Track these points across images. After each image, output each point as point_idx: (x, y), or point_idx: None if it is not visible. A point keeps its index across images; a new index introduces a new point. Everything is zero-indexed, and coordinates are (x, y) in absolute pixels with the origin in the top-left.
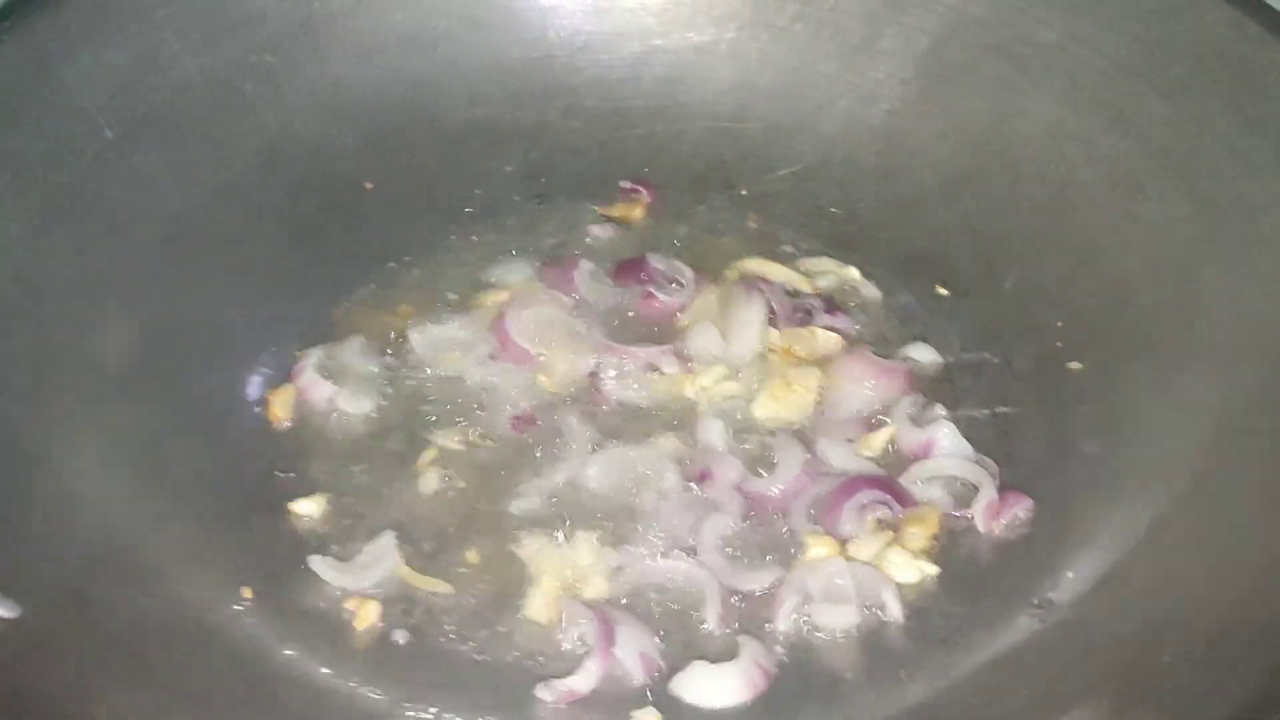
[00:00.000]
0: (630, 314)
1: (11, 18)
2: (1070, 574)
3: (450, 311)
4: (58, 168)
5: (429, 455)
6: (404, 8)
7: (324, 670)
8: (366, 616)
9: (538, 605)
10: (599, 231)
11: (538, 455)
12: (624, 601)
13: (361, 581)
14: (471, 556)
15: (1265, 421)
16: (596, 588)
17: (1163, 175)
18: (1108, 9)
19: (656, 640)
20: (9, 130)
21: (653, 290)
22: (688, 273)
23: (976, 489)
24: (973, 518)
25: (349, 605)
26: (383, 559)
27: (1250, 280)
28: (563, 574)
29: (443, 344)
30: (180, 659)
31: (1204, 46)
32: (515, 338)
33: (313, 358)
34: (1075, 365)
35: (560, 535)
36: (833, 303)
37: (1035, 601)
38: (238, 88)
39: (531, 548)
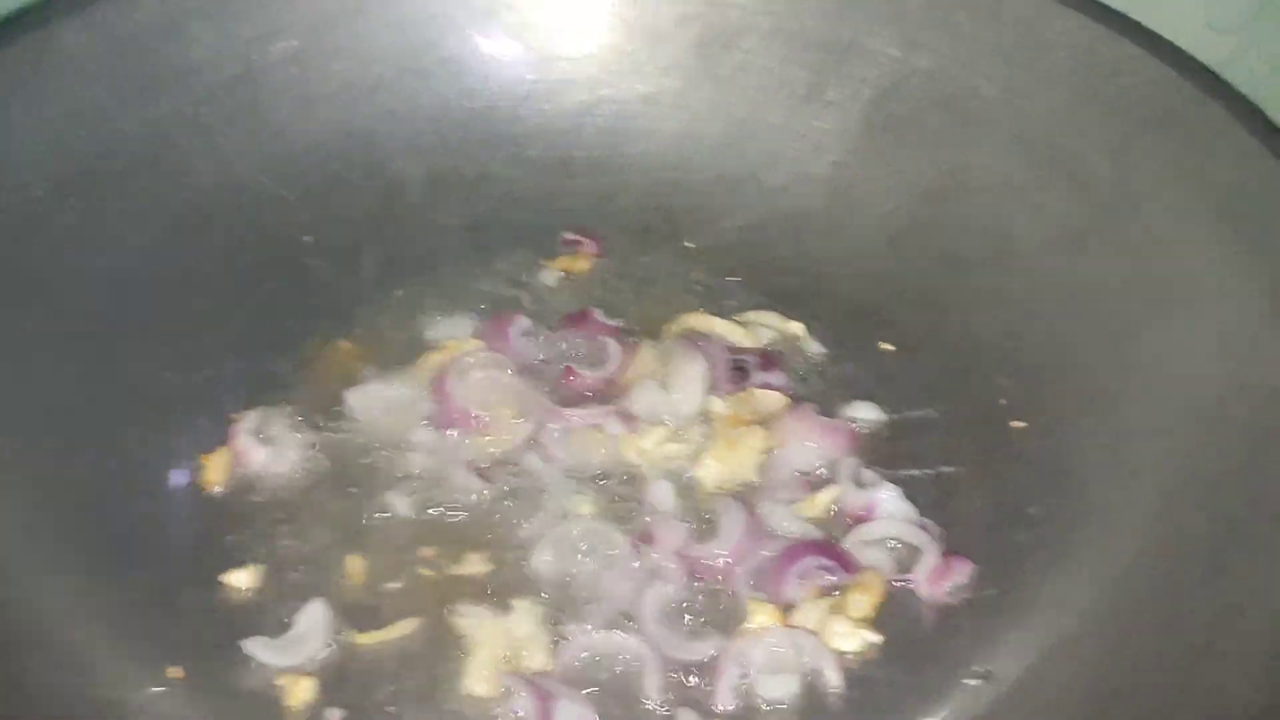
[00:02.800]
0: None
1: None
2: (1014, 642)
3: (390, 371)
4: None
5: (366, 522)
6: (343, 58)
7: None
8: (299, 694)
9: (476, 679)
10: (542, 284)
11: (483, 520)
12: (565, 674)
13: (295, 658)
14: (409, 627)
15: (1205, 487)
16: (536, 660)
17: (1104, 233)
18: (1050, 65)
19: (596, 715)
20: None
21: (572, 366)
22: (612, 347)
23: (919, 552)
24: (915, 583)
25: (280, 683)
26: (315, 631)
27: (1189, 342)
28: (502, 646)
29: (382, 405)
30: None
31: (1143, 105)
32: (456, 400)
33: (249, 421)
34: (1019, 424)
35: (500, 606)
36: (770, 359)
37: (978, 670)
38: (173, 142)
39: (470, 619)
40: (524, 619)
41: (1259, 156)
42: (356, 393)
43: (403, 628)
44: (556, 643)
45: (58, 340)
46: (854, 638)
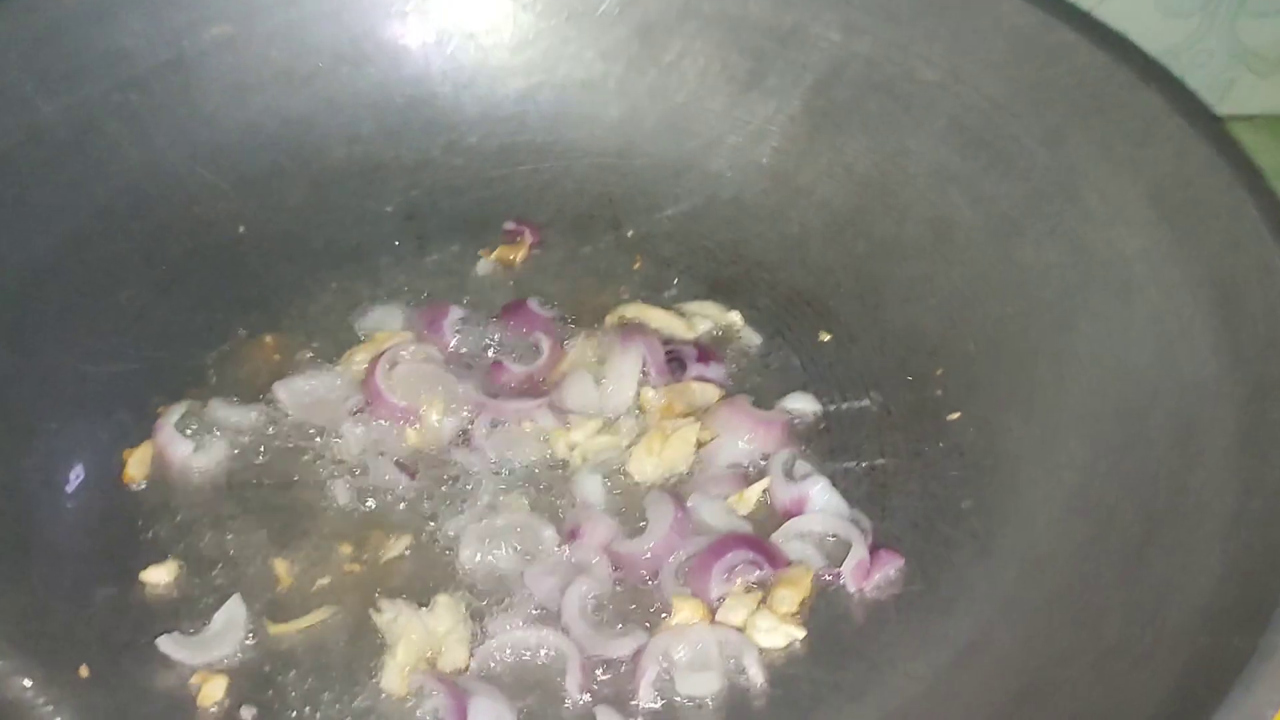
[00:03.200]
0: (507, 361)
1: None
2: (938, 638)
3: (320, 363)
4: None
5: (290, 518)
6: (279, 44)
7: None
8: (211, 694)
9: (392, 677)
10: (480, 274)
11: (408, 514)
12: (484, 670)
13: (210, 655)
14: (323, 615)
15: (1131, 480)
16: (455, 657)
17: (1040, 219)
18: (987, 50)
19: (514, 712)
20: None
21: (503, 361)
22: (544, 343)
23: (849, 547)
24: (843, 578)
25: (194, 681)
26: (232, 628)
27: (1123, 331)
28: (422, 642)
29: (310, 397)
30: None
31: (1079, 92)
32: (385, 393)
33: (173, 414)
34: (953, 416)
35: (422, 602)
36: (707, 351)
37: (902, 669)
38: (99, 128)
39: (390, 614)
40: (445, 614)
41: (1195, 144)
42: (285, 385)
43: (318, 615)
44: (477, 639)
45: None
46: (779, 634)
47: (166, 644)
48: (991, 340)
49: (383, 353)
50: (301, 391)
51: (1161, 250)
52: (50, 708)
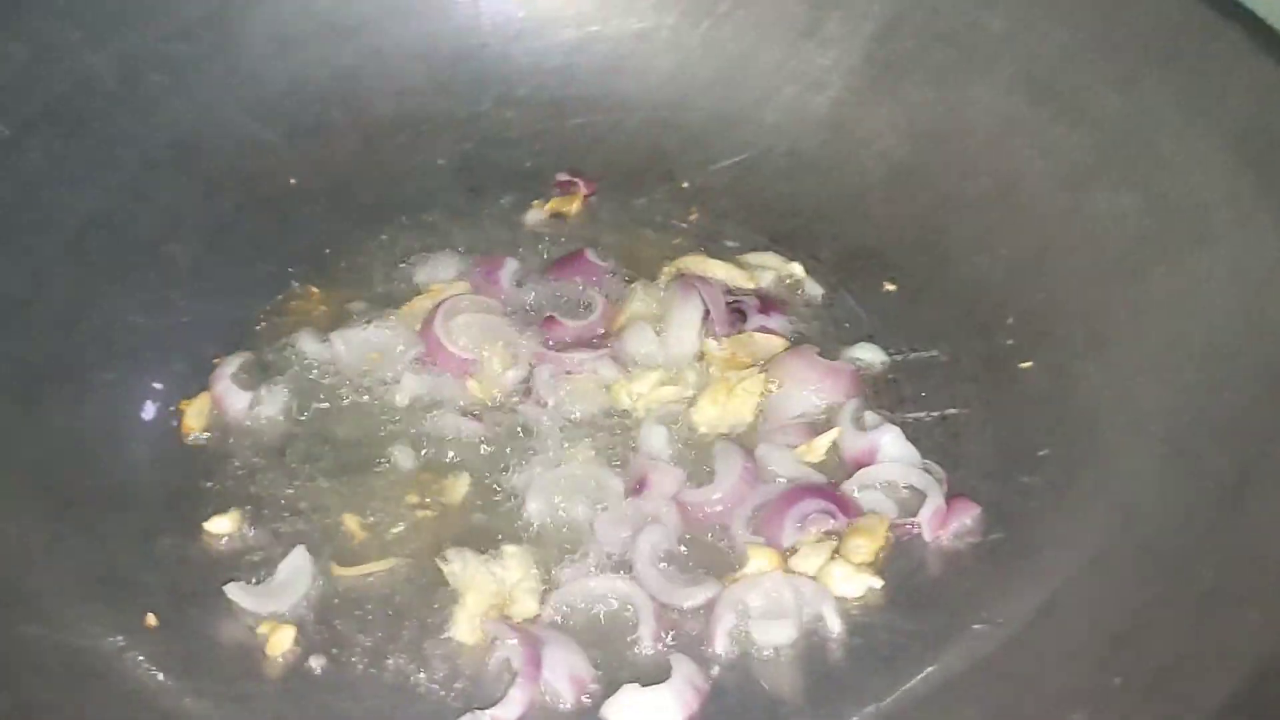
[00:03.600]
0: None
1: None
2: (1021, 587)
3: (377, 314)
4: None
5: (352, 468)
6: None
7: (232, 705)
8: (279, 643)
9: (463, 626)
10: (534, 226)
11: (473, 466)
12: (555, 620)
13: (277, 604)
14: (390, 563)
15: (1218, 426)
16: (525, 607)
17: (1113, 168)
18: None
19: (588, 661)
20: None
21: (555, 315)
22: (597, 298)
23: (923, 496)
24: (918, 527)
25: (262, 630)
26: (298, 578)
27: (1199, 279)
28: (491, 592)
29: (368, 349)
30: (71, 694)
31: (1155, 35)
32: (446, 344)
33: (230, 365)
34: (1025, 364)
35: (490, 552)
36: (769, 301)
37: (984, 617)
38: (146, 79)
39: (457, 564)
40: (514, 564)
41: (1277, 83)
42: (342, 336)
43: (384, 563)
44: (547, 589)
45: (27, 283)
46: (855, 583)
47: (234, 591)
48: (1063, 289)
49: (442, 303)
50: (359, 342)
51: (1242, 194)
52: (120, 656)
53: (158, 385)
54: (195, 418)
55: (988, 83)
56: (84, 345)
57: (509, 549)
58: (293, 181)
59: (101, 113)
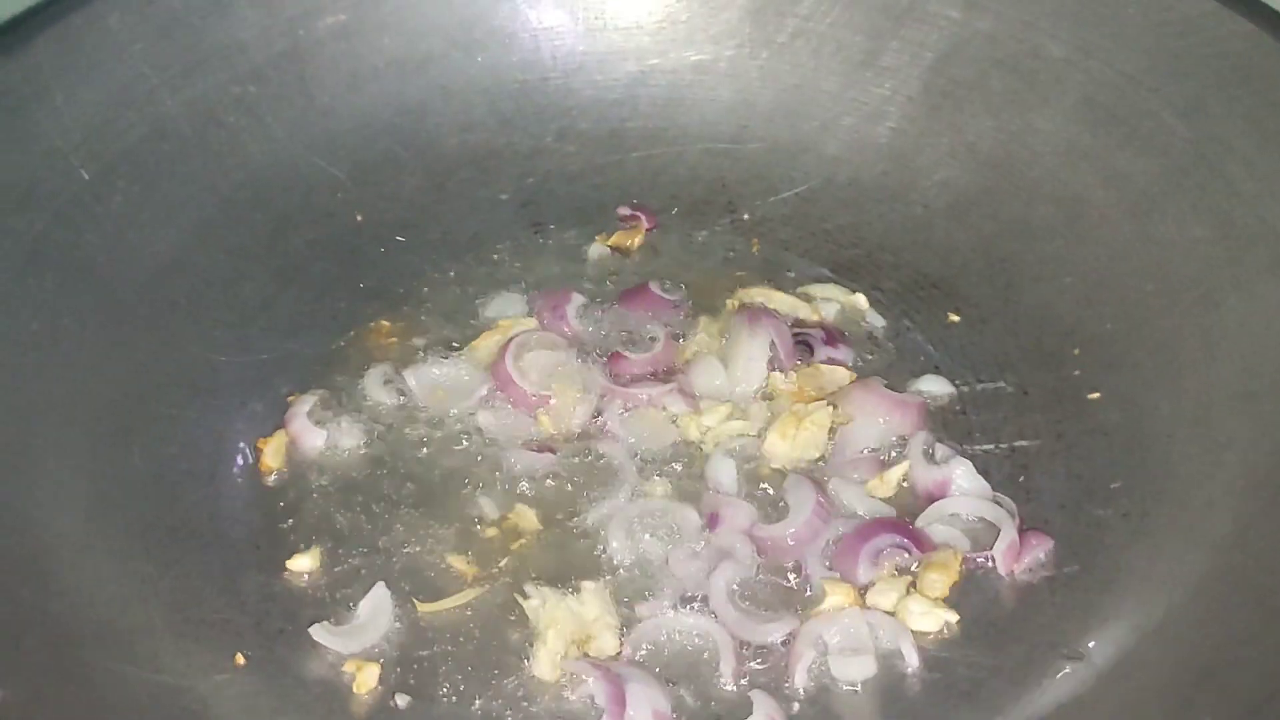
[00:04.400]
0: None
1: None
2: (1102, 621)
3: (447, 350)
4: (32, 212)
5: (428, 504)
6: (392, 32)
7: None
8: (366, 681)
9: (545, 664)
10: (597, 260)
11: (547, 500)
12: (635, 657)
13: (360, 643)
14: (471, 595)
15: None
16: (605, 644)
17: (1180, 195)
18: (1119, 22)
19: (669, 698)
20: None
21: (621, 350)
22: (659, 332)
23: (996, 530)
24: (993, 561)
25: (347, 669)
26: (379, 616)
27: (1272, 306)
28: (570, 629)
29: (440, 385)
30: None
31: (1220, 62)
32: (517, 381)
33: (305, 403)
34: (1094, 395)
35: (568, 588)
36: (834, 333)
37: (1065, 651)
38: (220, 121)
39: (537, 600)
40: (593, 601)
41: None
42: (414, 372)
43: (465, 596)
44: (626, 625)
45: (110, 326)
46: (931, 617)
47: (319, 633)
48: (1131, 318)
49: (511, 339)
50: (431, 378)
51: None
52: (214, 695)
53: (237, 424)
54: (273, 456)
55: (1049, 110)
56: (165, 386)
57: (587, 585)
58: (359, 218)
59: (178, 156)
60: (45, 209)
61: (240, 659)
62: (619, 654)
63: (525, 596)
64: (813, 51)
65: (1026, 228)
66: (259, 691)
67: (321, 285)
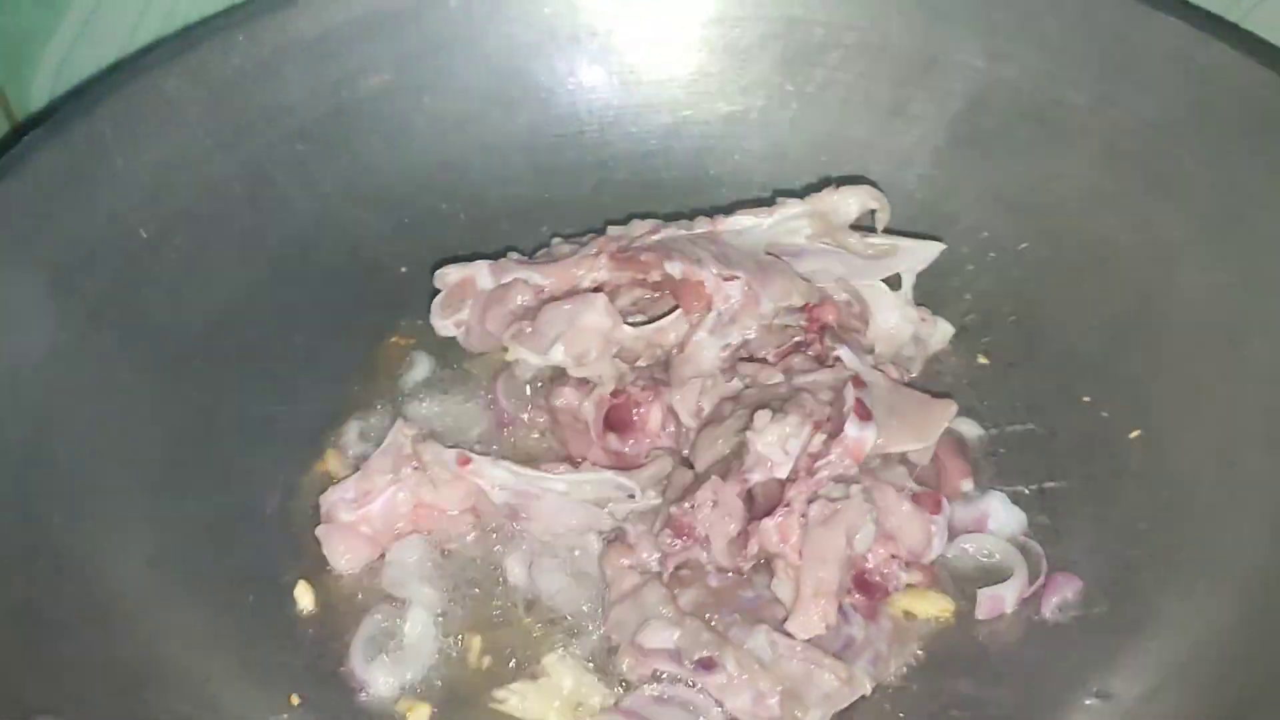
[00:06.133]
0: None
1: (46, 124)
2: (1130, 661)
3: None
4: (94, 271)
5: None
6: (432, 90)
7: None
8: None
9: None
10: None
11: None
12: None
13: (408, 671)
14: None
15: None
16: (596, 700)
17: (1204, 241)
18: (1141, 71)
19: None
20: (45, 236)
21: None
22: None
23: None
24: (1007, 601)
25: (400, 708)
26: (424, 640)
27: None
28: (562, 708)
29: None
30: None
31: (1242, 109)
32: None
33: (352, 430)
34: (1134, 434)
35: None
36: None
37: (1093, 690)
38: (270, 179)
39: (515, 699)
40: (559, 670)
41: None
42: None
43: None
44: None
45: (166, 379)
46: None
47: (363, 668)
48: (1157, 361)
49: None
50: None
51: None
52: None
53: (289, 471)
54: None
55: (1074, 157)
56: (219, 436)
57: (547, 660)
58: (403, 270)
59: (230, 214)
60: (106, 268)
61: (295, 699)
62: (617, 702)
63: (502, 701)
64: (841, 101)
65: (1053, 272)
66: None
67: (370, 336)
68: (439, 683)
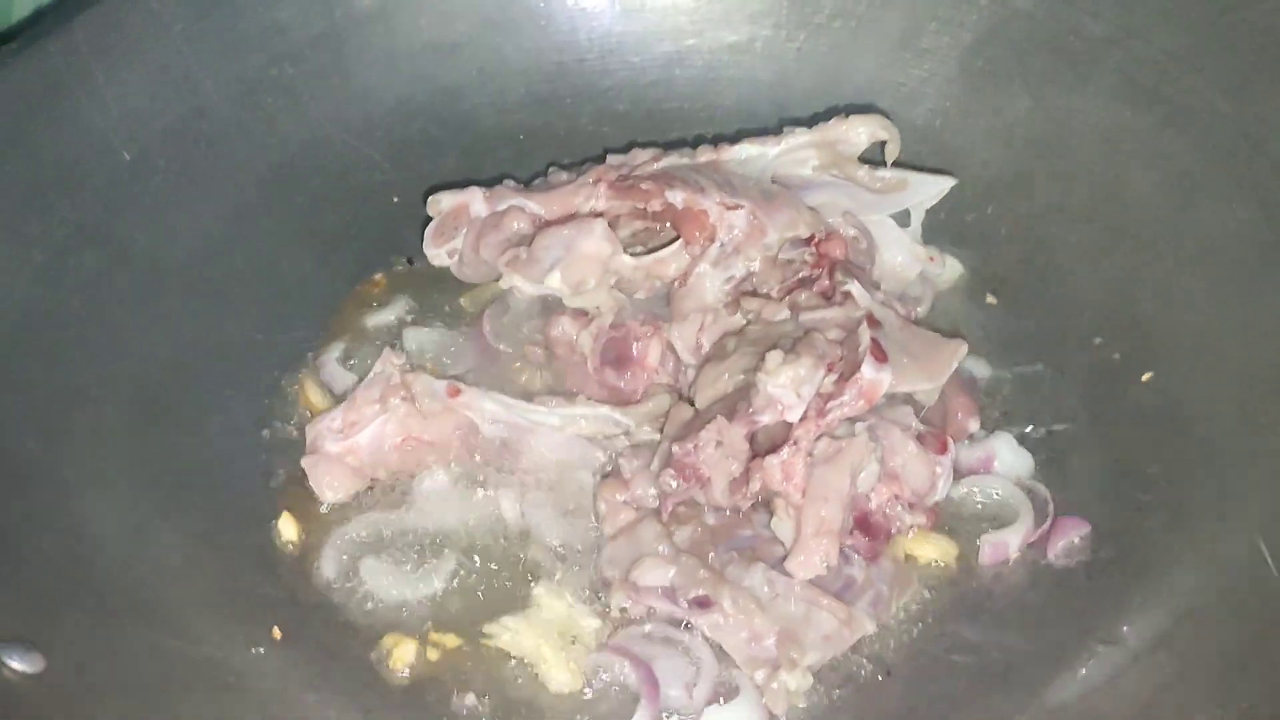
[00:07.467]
0: None
1: (19, 38)
2: (1139, 605)
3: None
4: (72, 193)
5: None
6: (429, 13)
7: (357, 715)
8: (401, 656)
9: (560, 677)
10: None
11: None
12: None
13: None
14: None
15: None
16: (589, 627)
17: (1223, 176)
18: (1160, 1)
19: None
20: (20, 156)
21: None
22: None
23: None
24: (1015, 545)
25: (386, 643)
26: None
27: None
28: (555, 636)
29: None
30: (208, 704)
31: (1265, 38)
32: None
33: (332, 351)
34: (1146, 376)
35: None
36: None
37: (1100, 635)
38: (257, 102)
39: (506, 635)
40: (549, 600)
41: None
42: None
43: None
44: (592, 603)
45: (149, 305)
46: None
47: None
48: (1172, 301)
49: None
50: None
51: None
52: (252, 668)
53: (276, 400)
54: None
55: (1089, 90)
56: (203, 364)
57: (536, 591)
58: (395, 199)
59: (216, 136)
60: (86, 189)
61: (277, 632)
62: (614, 631)
63: (493, 636)
64: (850, 32)
65: (1065, 210)
66: (294, 665)
67: (358, 265)
68: (425, 618)
